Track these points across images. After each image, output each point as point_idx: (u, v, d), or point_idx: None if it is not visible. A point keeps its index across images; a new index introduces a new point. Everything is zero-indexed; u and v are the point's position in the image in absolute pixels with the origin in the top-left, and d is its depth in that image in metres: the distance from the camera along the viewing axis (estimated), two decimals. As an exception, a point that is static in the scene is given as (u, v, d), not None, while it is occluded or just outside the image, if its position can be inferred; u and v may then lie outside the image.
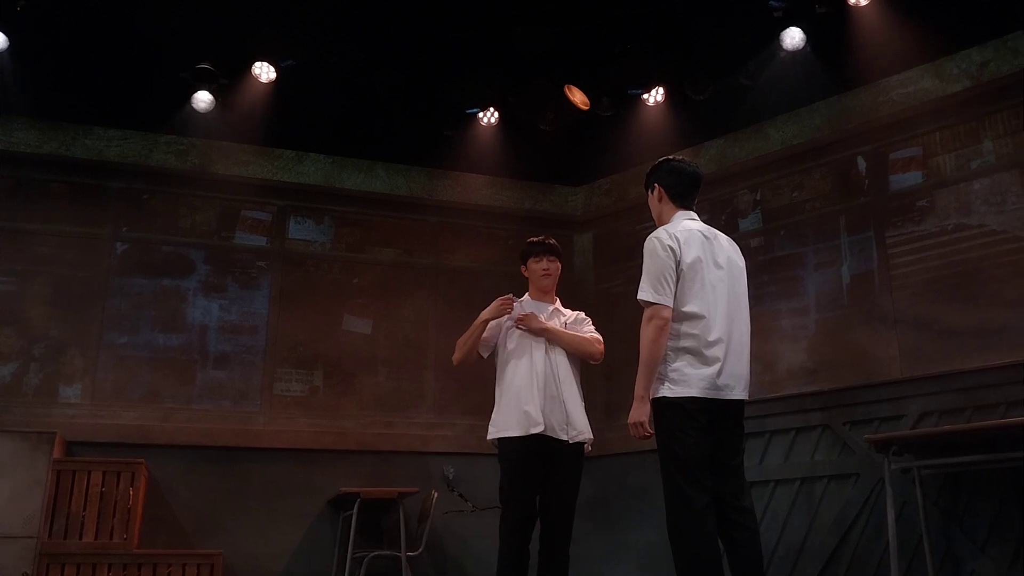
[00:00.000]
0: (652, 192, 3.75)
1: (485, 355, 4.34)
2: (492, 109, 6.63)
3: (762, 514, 5.24)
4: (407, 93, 6.29)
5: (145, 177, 6.50)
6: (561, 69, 6.32)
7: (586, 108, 6.44)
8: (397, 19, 5.84)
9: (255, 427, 6.31)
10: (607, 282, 7.14)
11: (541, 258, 4.31)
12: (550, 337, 4.16)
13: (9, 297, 6.05)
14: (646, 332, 3.39)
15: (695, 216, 3.67)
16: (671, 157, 3.81)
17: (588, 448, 4.17)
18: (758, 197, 6.44)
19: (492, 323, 4.25)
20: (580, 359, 4.27)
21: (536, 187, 7.39)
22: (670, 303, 3.40)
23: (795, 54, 5.77)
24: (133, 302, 6.29)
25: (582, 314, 4.40)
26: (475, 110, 6.64)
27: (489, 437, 4.16)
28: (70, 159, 6.34)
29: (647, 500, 5.98)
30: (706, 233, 3.58)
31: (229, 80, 6.18)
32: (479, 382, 5.99)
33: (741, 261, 3.68)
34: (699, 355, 3.38)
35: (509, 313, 4.22)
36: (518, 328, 4.18)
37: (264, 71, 6.15)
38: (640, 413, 3.40)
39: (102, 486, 5.40)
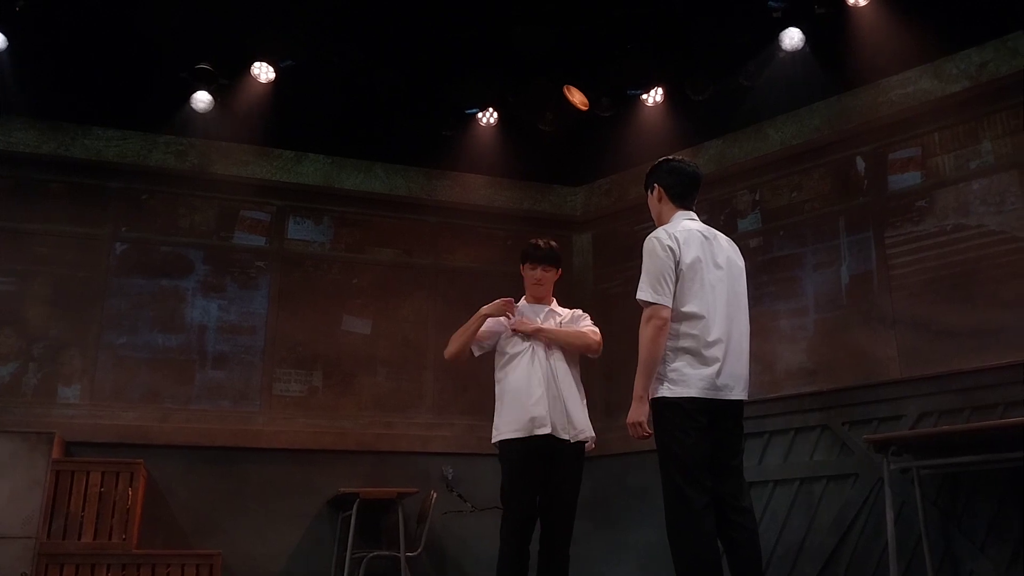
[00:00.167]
0: (651, 192, 3.75)
1: (477, 354, 4.34)
2: (491, 109, 6.64)
3: (761, 514, 5.24)
4: (406, 93, 6.30)
5: (144, 177, 6.50)
6: (561, 69, 6.32)
7: (585, 108, 6.45)
8: (396, 19, 5.85)
9: (254, 427, 6.30)
10: (606, 282, 7.15)
11: (536, 267, 4.29)
12: (545, 336, 4.15)
13: (8, 297, 6.05)
14: (645, 332, 3.39)
15: (695, 216, 3.67)
16: (670, 157, 3.81)
17: (591, 446, 4.16)
18: (757, 197, 6.44)
19: (488, 323, 4.25)
20: (579, 358, 4.26)
21: (535, 187, 7.39)
22: (669, 303, 3.40)
23: (794, 54, 5.78)
24: (132, 302, 6.29)
25: (579, 311, 4.38)
26: (474, 110, 6.64)
27: (493, 440, 4.15)
28: (69, 159, 6.34)
29: (647, 500, 5.98)
30: (705, 233, 3.58)
31: (228, 80, 6.19)
32: (478, 382, 6.00)
33: (740, 261, 3.68)
34: (698, 355, 3.38)
35: (508, 316, 4.22)
36: (514, 333, 4.19)
37: (263, 71, 6.16)
38: (639, 413, 3.40)
39: (101, 486, 5.40)
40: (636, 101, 6.50)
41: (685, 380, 3.36)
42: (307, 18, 5.84)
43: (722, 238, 3.66)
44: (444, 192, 7.17)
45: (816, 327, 5.92)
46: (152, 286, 6.36)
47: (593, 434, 4.15)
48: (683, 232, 3.51)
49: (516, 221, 7.21)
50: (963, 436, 4.33)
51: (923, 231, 5.56)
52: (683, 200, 3.68)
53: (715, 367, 3.38)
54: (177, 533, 5.93)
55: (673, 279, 3.42)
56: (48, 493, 5.26)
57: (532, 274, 4.30)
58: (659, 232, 3.53)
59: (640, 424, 3.40)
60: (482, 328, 4.26)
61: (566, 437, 4.03)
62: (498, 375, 4.25)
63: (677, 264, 3.43)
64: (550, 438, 4.00)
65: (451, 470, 6.40)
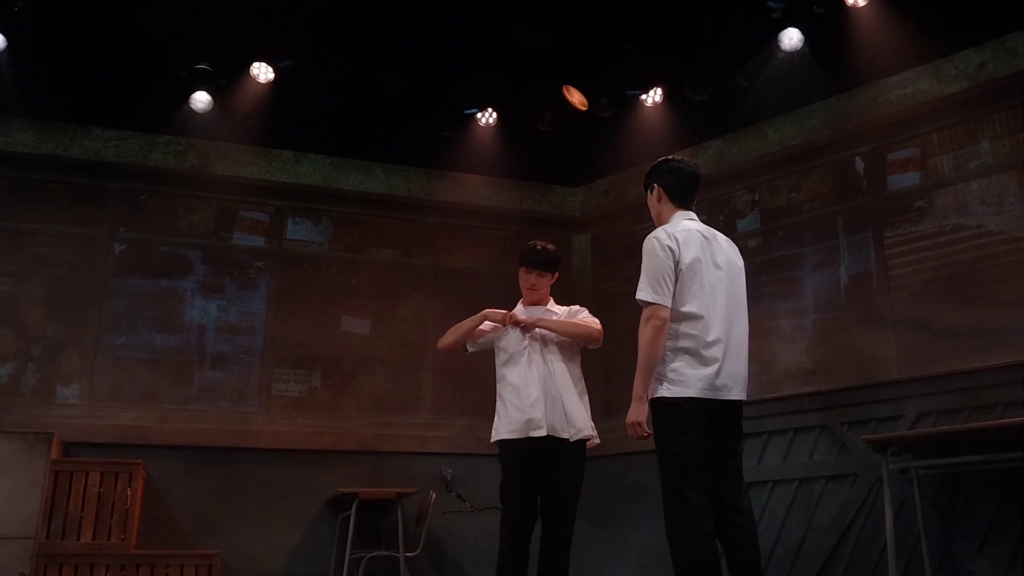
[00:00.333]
0: (651, 192, 3.75)
1: (471, 350, 4.35)
2: (490, 109, 6.64)
3: (760, 514, 5.24)
4: (405, 93, 6.30)
5: (143, 177, 6.49)
6: (560, 69, 6.32)
7: (584, 109, 6.45)
8: (395, 19, 5.85)
9: (253, 427, 6.30)
10: (605, 283, 7.15)
11: (531, 271, 4.27)
12: (544, 326, 4.12)
13: (6, 297, 6.04)
14: (644, 332, 3.39)
15: (694, 216, 3.67)
16: (670, 157, 3.81)
17: (596, 441, 4.12)
18: (756, 198, 6.44)
19: (487, 323, 4.25)
20: (580, 356, 4.23)
21: (534, 187, 7.39)
22: (668, 303, 3.40)
23: (793, 55, 5.78)
24: (131, 302, 6.29)
25: (576, 306, 4.35)
26: (473, 110, 6.64)
27: (492, 440, 4.15)
28: (68, 159, 6.33)
29: (646, 500, 5.98)
30: (705, 233, 3.58)
31: (227, 80, 6.19)
32: (477, 383, 6.00)
33: (740, 261, 3.68)
34: (697, 355, 3.38)
35: (504, 325, 4.22)
36: (511, 326, 4.17)
37: (262, 71, 6.16)
38: (638, 413, 3.40)
39: (100, 487, 5.39)
40: (635, 101, 6.50)
41: (684, 380, 3.36)
42: (306, 18, 5.84)
43: (722, 238, 3.66)
44: (443, 192, 7.17)
45: (815, 327, 5.93)
46: (151, 286, 6.35)
47: (593, 432, 4.12)
48: (683, 232, 3.51)
49: (515, 221, 7.21)
50: (962, 436, 4.33)
51: (922, 231, 5.56)
52: (683, 200, 3.68)
53: (714, 367, 3.38)
54: (176, 533, 5.92)
55: (672, 279, 3.42)
56: (47, 493, 5.26)
57: (527, 278, 4.29)
58: (659, 232, 3.52)
59: (639, 424, 3.40)
60: (480, 326, 4.26)
61: (565, 436, 4.01)
62: (498, 373, 4.25)
63: (677, 264, 3.43)
64: (549, 438, 3.99)
65: (450, 470, 6.39)
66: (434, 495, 6.01)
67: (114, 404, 6.07)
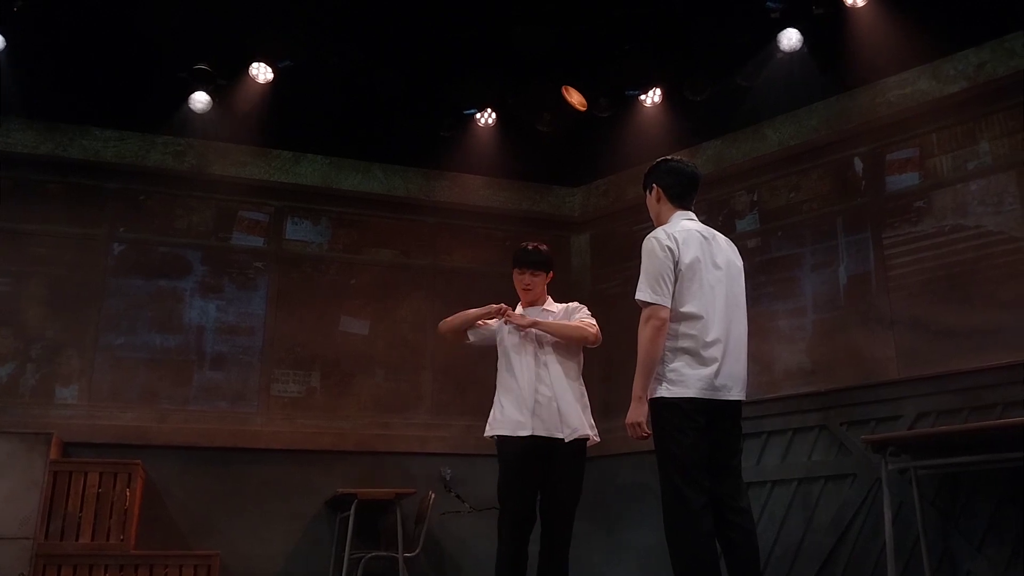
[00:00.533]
0: (650, 192, 3.75)
1: (471, 340, 4.34)
2: (490, 110, 6.64)
3: (759, 515, 5.24)
4: (404, 94, 6.30)
5: (142, 178, 6.49)
6: (559, 70, 6.32)
7: (583, 109, 6.45)
8: (395, 19, 5.85)
9: (252, 428, 6.30)
10: (604, 283, 7.15)
11: (524, 272, 4.25)
12: (541, 328, 4.11)
13: (5, 298, 6.04)
14: (644, 332, 3.39)
15: (693, 216, 3.66)
16: (669, 157, 3.81)
17: (595, 441, 4.10)
18: (755, 198, 6.44)
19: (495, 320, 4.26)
20: (579, 356, 4.20)
21: (533, 188, 7.39)
22: (668, 303, 3.40)
23: (792, 55, 5.79)
24: (130, 303, 6.28)
25: (574, 304, 4.31)
26: (473, 111, 6.64)
27: (486, 434, 4.16)
28: (67, 160, 6.33)
29: (645, 501, 5.98)
30: (704, 233, 3.58)
31: (226, 81, 6.19)
32: (477, 383, 6.00)
33: (739, 262, 3.68)
34: (697, 355, 3.38)
35: (499, 317, 4.22)
36: (508, 324, 4.17)
37: (261, 72, 6.16)
38: (638, 414, 3.39)
39: (99, 487, 5.39)
40: (634, 102, 6.50)
41: (683, 380, 3.36)
42: (305, 18, 5.84)
43: (721, 238, 3.66)
44: (442, 193, 7.17)
45: (814, 327, 5.93)
46: (150, 287, 6.35)
47: (590, 432, 4.07)
48: (682, 232, 3.51)
49: (514, 222, 7.21)
50: (961, 436, 4.33)
51: (921, 232, 5.57)
52: (682, 200, 3.67)
53: (713, 367, 3.38)
54: (175, 534, 5.92)
55: (672, 279, 3.41)
56: (46, 494, 5.26)
57: (521, 279, 4.27)
58: (658, 232, 3.52)
59: (639, 424, 3.40)
60: (484, 318, 4.26)
61: (560, 436, 4.00)
62: (498, 370, 4.25)
63: (676, 264, 3.43)
64: (544, 438, 3.98)
65: (449, 471, 6.39)
66: (433, 495, 6.00)
67: (113, 404, 6.07)
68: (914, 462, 4.56)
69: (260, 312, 6.55)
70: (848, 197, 5.96)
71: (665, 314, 3.38)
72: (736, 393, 3.45)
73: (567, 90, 6.38)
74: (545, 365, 4.09)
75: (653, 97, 6.44)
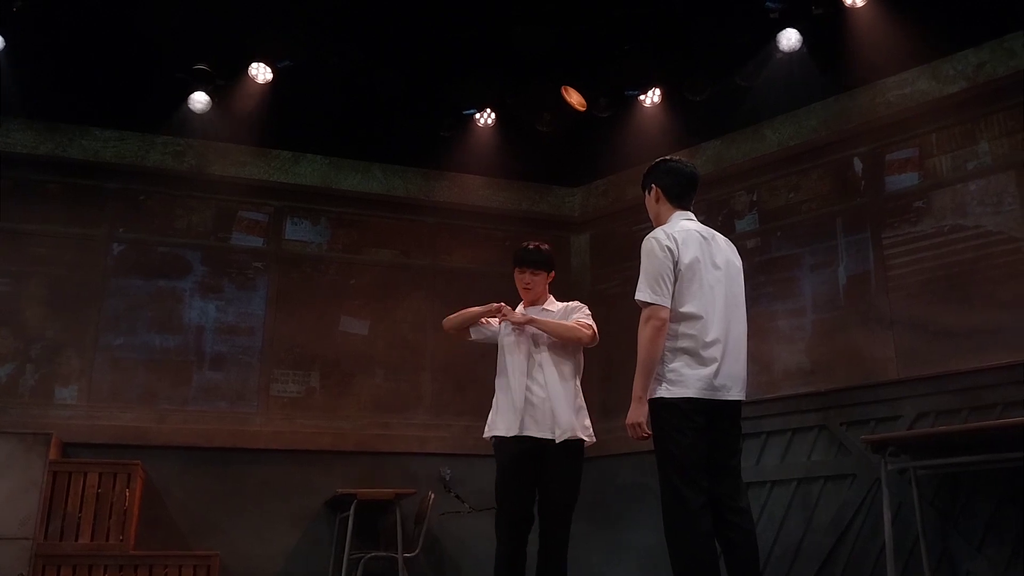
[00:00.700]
0: (649, 193, 3.75)
1: (473, 337, 4.34)
2: (489, 110, 6.64)
3: (759, 515, 5.24)
4: (404, 94, 6.30)
5: (141, 178, 6.49)
6: (559, 70, 6.32)
7: (583, 109, 6.45)
8: (394, 19, 5.85)
9: (251, 428, 6.30)
10: (604, 283, 7.15)
11: (524, 271, 4.25)
12: (536, 326, 4.10)
13: (5, 298, 6.04)
14: (644, 332, 3.39)
15: (692, 216, 3.66)
16: (668, 158, 3.81)
17: (589, 441, 4.08)
18: (755, 198, 6.44)
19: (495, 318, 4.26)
20: (575, 357, 4.19)
21: (533, 188, 7.39)
22: (668, 303, 3.39)
23: (792, 55, 5.78)
24: (129, 303, 6.28)
25: (574, 304, 4.28)
26: (472, 111, 6.64)
27: (484, 435, 4.16)
28: (66, 160, 6.33)
29: (645, 501, 5.98)
30: (704, 234, 3.58)
31: (226, 81, 6.19)
32: (476, 383, 6.00)
33: (739, 262, 3.68)
34: (696, 355, 3.38)
35: (498, 316, 4.22)
36: (505, 320, 4.17)
37: (261, 72, 6.16)
38: (638, 414, 3.39)
39: (98, 487, 5.39)
40: (634, 102, 6.50)
41: (683, 380, 3.36)
42: (305, 18, 5.84)
43: (720, 238, 3.66)
44: (442, 193, 7.17)
45: (814, 327, 5.93)
46: (149, 287, 6.35)
47: (583, 433, 4.04)
48: (681, 232, 3.50)
49: (514, 222, 7.21)
50: (961, 436, 4.33)
51: (920, 232, 5.57)
52: (681, 200, 3.67)
53: (713, 367, 3.38)
54: (175, 534, 5.92)
55: (671, 279, 3.41)
56: (45, 494, 5.25)
57: (521, 278, 4.27)
58: (657, 232, 3.52)
59: (639, 425, 3.40)
60: (486, 317, 4.26)
61: (551, 437, 3.99)
62: (497, 367, 4.25)
63: (676, 264, 3.43)
64: (537, 439, 3.98)
65: (449, 471, 6.39)
66: (433, 496, 6.00)
67: (113, 405, 6.07)
68: (913, 462, 4.57)
69: (260, 312, 6.55)
70: (848, 197, 5.96)
71: (665, 314, 3.38)
72: (735, 393, 3.45)
73: (566, 90, 6.38)
74: (540, 365, 4.08)
75: (653, 97, 6.44)
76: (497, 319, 4.25)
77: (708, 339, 3.40)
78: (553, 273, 4.32)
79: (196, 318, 6.40)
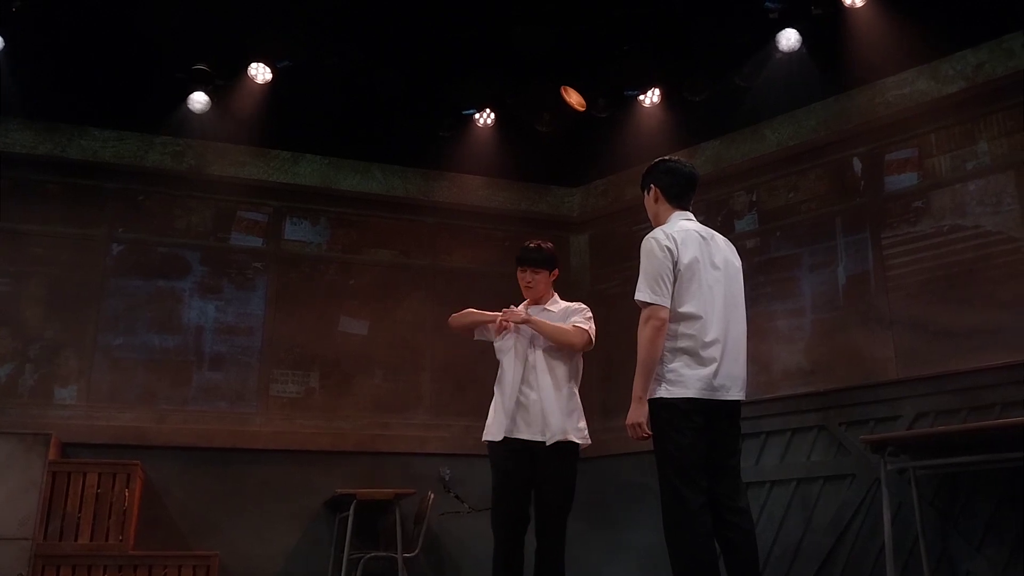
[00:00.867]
0: (648, 193, 3.75)
1: (477, 338, 4.34)
2: (488, 110, 6.64)
3: (758, 515, 5.24)
4: (403, 94, 6.30)
5: (141, 178, 6.49)
6: (558, 70, 6.32)
7: (582, 109, 6.45)
8: (393, 19, 5.85)
9: (251, 428, 6.30)
10: (603, 283, 7.15)
11: (525, 270, 4.24)
12: (529, 325, 4.09)
13: (4, 298, 6.03)
14: (643, 333, 3.39)
15: (691, 216, 3.67)
16: (667, 158, 3.81)
17: (581, 444, 4.06)
18: (754, 198, 6.44)
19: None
20: (572, 359, 4.16)
21: (532, 188, 7.39)
22: (667, 303, 3.40)
23: (791, 55, 5.79)
24: (129, 303, 6.28)
25: (576, 305, 4.26)
26: (471, 111, 6.64)
27: (483, 438, 4.17)
28: (66, 160, 6.33)
29: (644, 501, 5.98)
30: (703, 234, 3.58)
31: (225, 81, 6.19)
32: (476, 383, 5.99)
33: (738, 262, 3.68)
34: (696, 356, 3.38)
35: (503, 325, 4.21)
36: (504, 324, 4.16)
37: (260, 72, 6.16)
38: (638, 414, 3.39)
39: (98, 487, 5.39)
40: (633, 102, 6.50)
41: (682, 381, 3.36)
42: (304, 18, 5.84)
43: (719, 238, 3.66)
44: (441, 193, 7.17)
45: (813, 328, 5.93)
46: (149, 287, 6.35)
47: (573, 436, 4.01)
48: (681, 232, 3.51)
49: (514, 222, 7.21)
50: (960, 436, 4.33)
51: (920, 232, 5.57)
52: (680, 200, 3.67)
53: (712, 367, 3.38)
54: (174, 534, 5.92)
55: (671, 279, 3.42)
56: (44, 494, 5.25)
57: (523, 277, 4.27)
58: (657, 232, 3.52)
59: (639, 425, 3.40)
60: (489, 323, 4.25)
61: (542, 439, 3.98)
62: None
63: (675, 264, 3.43)
64: (528, 441, 3.98)
65: (448, 471, 6.39)
66: (432, 496, 6.00)
67: (112, 405, 6.06)
68: (913, 462, 4.57)
69: (259, 312, 6.55)
70: (847, 197, 5.96)
71: (664, 314, 3.38)
72: (735, 393, 3.45)
73: (566, 90, 6.38)
74: (534, 367, 4.07)
75: (652, 97, 6.44)
76: (496, 327, 4.23)
77: (707, 339, 3.40)
78: (556, 272, 4.32)
79: (195, 318, 6.40)
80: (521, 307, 4.29)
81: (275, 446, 6.27)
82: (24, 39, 5.68)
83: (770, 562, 5.22)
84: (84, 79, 5.93)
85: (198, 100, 6.20)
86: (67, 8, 5.52)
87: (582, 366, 4.23)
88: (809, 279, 6.02)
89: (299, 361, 6.55)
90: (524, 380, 4.06)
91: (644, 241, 3.51)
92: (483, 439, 4.14)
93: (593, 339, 4.14)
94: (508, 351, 4.14)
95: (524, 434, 4.00)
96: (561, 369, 4.10)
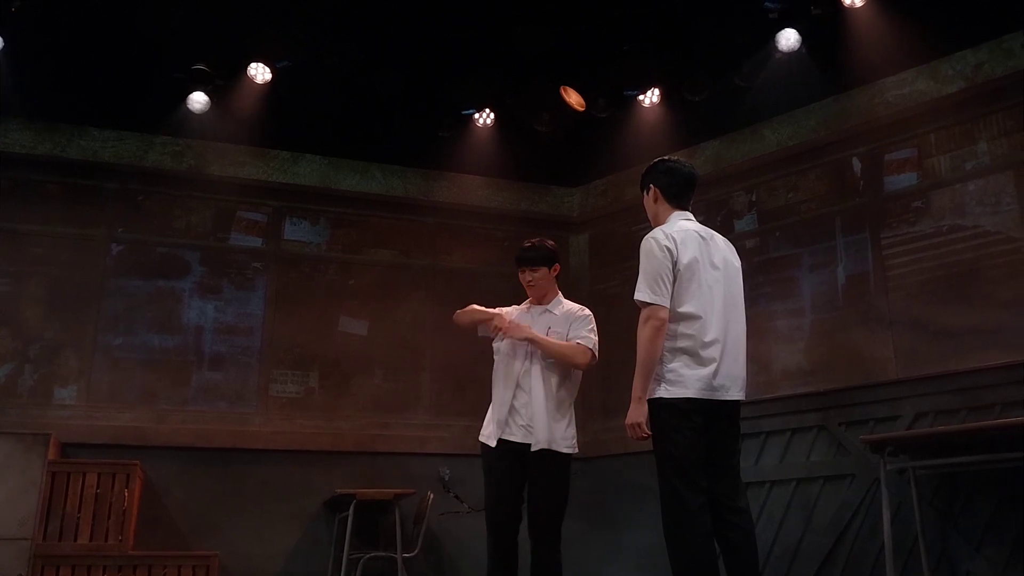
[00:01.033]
0: (647, 193, 3.75)
1: (480, 335, 4.34)
2: (488, 110, 6.64)
3: (758, 515, 5.24)
4: (403, 94, 6.30)
5: (140, 178, 6.49)
6: (558, 70, 6.32)
7: (582, 109, 6.45)
8: (393, 19, 5.85)
9: (251, 428, 6.30)
10: (603, 283, 7.15)
11: (524, 270, 4.21)
12: (532, 344, 4.06)
13: (4, 298, 6.03)
14: (643, 333, 3.39)
15: (691, 216, 3.67)
16: (666, 158, 3.81)
17: (566, 452, 4.01)
18: (754, 198, 6.44)
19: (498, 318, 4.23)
20: (569, 370, 4.12)
21: (532, 188, 7.39)
22: (667, 303, 3.39)
23: (791, 55, 5.79)
24: (128, 303, 6.28)
25: (578, 312, 4.19)
26: (471, 111, 6.64)
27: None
28: (65, 160, 6.33)
29: (644, 501, 5.98)
30: (702, 234, 3.58)
31: (225, 81, 6.19)
32: (476, 383, 5.99)
33: (737, 262, 3.68)
34: (695, 356, 3.38)
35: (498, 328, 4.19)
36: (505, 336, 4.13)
37: (259, 72, 6.16)
38: (638, 414, 3.39)
39: (97, 488, 5.39)
40: (633, 102, 6.51)
41: (682, 381, 3.36)
42: (304, 18, 5.84)
43: (719, 238, 3.67)
44: (441, 193, 7.17)
45: (813, 328, 5.93)
46: (148, 287, 6.35)
47: (557, 446, 3.97)
48: (680, 232, 3.51)
49: (513, 222, 7.21)
50: (960, 436, 4.33)
51: (919, 232, 5.57)
52: (679, 200, 3.67)
53: (712, 367, 3.38)
54: (174, 534, 5.92)
55: (671, 279, 3.41)
56: (44, 494, 5.25)
57: (523, 277, 4.24)
58: (656, 232, 3.52)
59: (639, 425, 3.40)
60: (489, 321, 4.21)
61: (530, 443, 3.97)
62: None
63: (675, 264, 3.43)
64: (519, 445, 3.97)
65: (448, 471, 6.38)
66: (432, 496, 6.00)
67: (112, 405, 6.06)
68: (913, 462, 4.57)
69: (259, 312, 6.55)
70: (846, 197, 5.96)
71: (664, 314, 3.38)
72: (734, 393, 3.45)
73: (565, 90, 6.38)
74: (528, 372, 4.05)
75: (652, 97, 6.44)
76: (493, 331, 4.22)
77: (707, 339, 3.40)
78: (557, 266, 4.24)
79: (195, 318, 6.40)
80: (524, 305, 4.27)
81: (275, 446, 6.27)
82: (24, 39, 5.68)
83: (770, 562, 5.22)
84: (84, 79, 5.93)
85: (198, 100, 6.20)
86: (67, 8, 5.52)
87: (580, 375, 4.20)
88: (809, 279, 6.02)
89: (299, 361, 6.55)
90: (518, 384, 4.06)
91: (643, 241, 3.51)
92: (480, 440, 4.14)
93: (596, 355, 4.11)
94: (506, 355, 4.14)
95: (516, 437, 4.00)
96: (556, 377, 4.06)
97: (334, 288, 6.78)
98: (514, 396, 4.04)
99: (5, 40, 5.69)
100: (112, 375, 6.12)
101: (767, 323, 6.06)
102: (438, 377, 6.78)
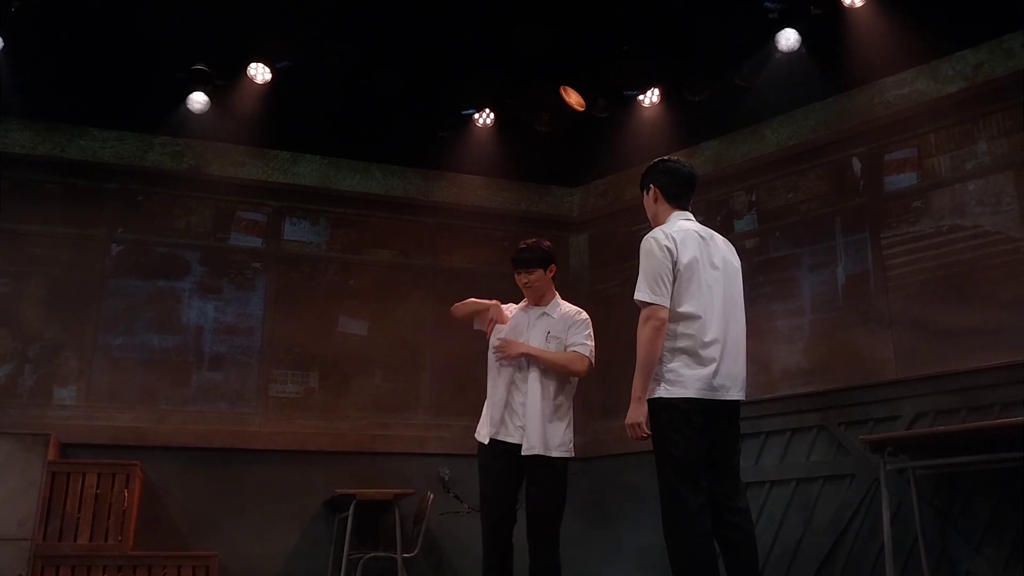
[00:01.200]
0: (647, 193, 3.75)
1: (476, 327, 4.32)
2: (488, 110, 6.64)
3: (758, 515, 5.24)
4: (403, 94, 6.30)
5: (140, 178, 6.49)
6: (558, 70, 6.32)
7: (581, 109, 6.45)
8: (393, 19, 5.85)
9: (251, 428, 6.30)
10: (603, 283, 7.15)
11: (520, 272, 4.19)
12: (528, 358, 4.04)
13: (4, 298, 6.03)
14: (643, 333, 3.39)
15: (691, 216, 3.67)
16: (666, 158, 3.81)
17: (563, 456, 4.00)
18: (754, 198, 6.44)
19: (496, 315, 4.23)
20: (566, 375, 4.12)
21: (532, 188, 7.39)
22: (667, 303, 3.39)
23: (790, 55, 5.79)
24: (128, 303, 6.28)
25: (576, 316, 4.16)
26: (471, 111, 6.64)
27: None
28: (65, 160, 6.33)
29: (643, 501, 5.98)
30: (702, 234, 3.58)
31: (224, 81, 6.19)
32: (476, 383, 5.96)
33: (737, 262, 3.68)
34: (695, 355, 3.38)
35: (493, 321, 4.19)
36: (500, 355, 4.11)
37: (259, 72, 6.16)
38: (638, 414, 3.39)
39: (97, 488, 5.39)
40: (633, 102, 6.51)
41: (682, 381, 3.36)
42: (304, 19, 5.84)
43: (719, 238, 3.67)
44: (441, 193, 7.17)
45: (812, 328, 5.93)
46: (148, 287, 6.35)
47: (549, 451, 3.96)
48: (680, 232, 3.51)
49: (513, 222, 7.21)
50: (959, 436, 4.33)
51: (919, 232, 5.57)
52: (679, 200, 3.67)
53: (711, 367, 3.38)
54: (174, 534, 5.92)
55: (670, 279, 3.41)
56: (44, 495, 5.25)
57: (519, 279, 4.22)
58: (656, 232, 3.52)
59: (639, 425, 3.39)
60: (485, 313, 4.22)
61: (523, 444, 3.97)
62: None
63: (674, 264, 3.43)
64: (513, 447, 3.97)
65: (448, 471, 6.38)
66: (432, 496, 6.00)
67: (111, 405, 6.06)
68: (912, 462, 4.57)
69: (258, 312, 6.55)
70: (846, 197, 5.96)
71: (664, 314, 3.38)
72: (734, 393, 3.45)
73: (565, 90, 6.38)
74: (525, 375, 4.05)
75: (652, 97, 6.44)
76: (488, 326, 4.22)
77: (707, 339, 3.40)
78: (554, 267, 4.22)
79: (195, 318, 6.40)
80: (522, 303, 4.26)
81: (275, 446, 6.27)
82: (24, 39, 5.68)
83: (770, 562, 5.22)
84: (84, 79, 5.93)
85: (197, 100, 6.20)
86: (67, 8, 5.52)
87: (577, 380, 4.20)
88: (808, 279, 6.02)
89: (299, 361, 6.55)
90: (514, 383, 4.05)
91: (643, 241, 3.51)
92: (477, 440, 4.14)
93: (593, 361, 4.11)
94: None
95: (513, 438, 4.00)
96: (552, 382, 4.05)
97: (334, 288, 6.78)
98: (511, 395, 4.04)
99: (5, 40, 5.69)
100: (112, 375, 6.12)
101: (767, 323, 6.06)
102: (438, 377, 6.78)
